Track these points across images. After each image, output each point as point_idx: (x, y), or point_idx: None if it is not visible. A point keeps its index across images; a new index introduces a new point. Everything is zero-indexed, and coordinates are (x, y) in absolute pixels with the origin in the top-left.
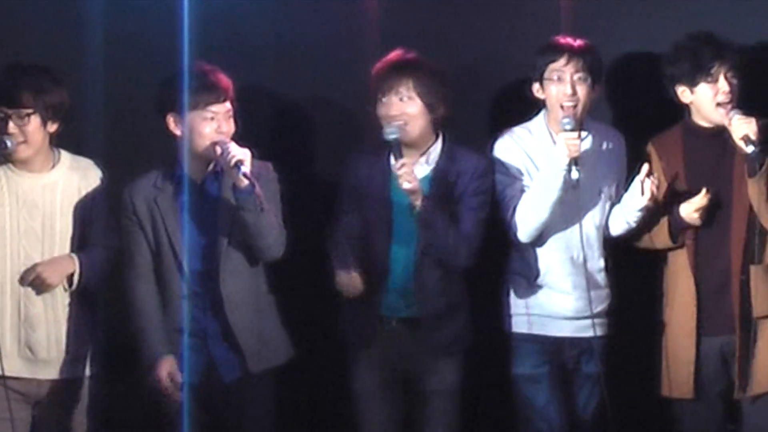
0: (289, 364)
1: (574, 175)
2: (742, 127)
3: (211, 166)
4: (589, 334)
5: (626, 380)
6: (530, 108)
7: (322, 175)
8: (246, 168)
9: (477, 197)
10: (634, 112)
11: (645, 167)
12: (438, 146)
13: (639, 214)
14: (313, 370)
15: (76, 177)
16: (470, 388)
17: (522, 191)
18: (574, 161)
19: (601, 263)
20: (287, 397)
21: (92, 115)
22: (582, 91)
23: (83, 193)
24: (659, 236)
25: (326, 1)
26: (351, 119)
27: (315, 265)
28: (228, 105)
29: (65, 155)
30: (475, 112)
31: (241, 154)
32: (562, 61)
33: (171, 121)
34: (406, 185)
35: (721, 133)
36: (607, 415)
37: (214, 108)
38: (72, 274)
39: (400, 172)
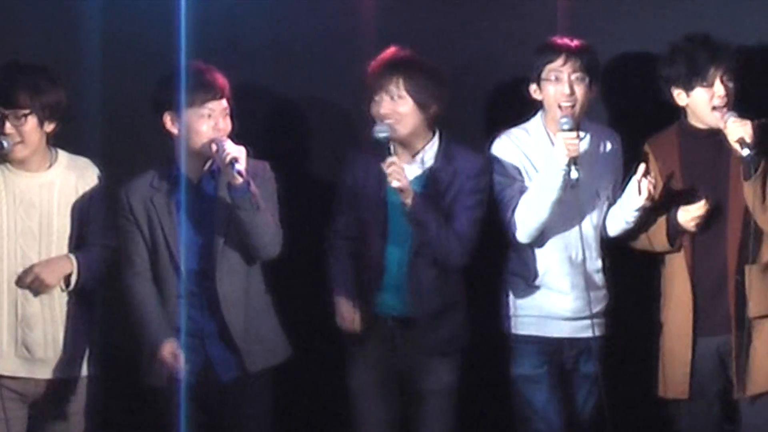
0: (286, 364)
1: (574, 174)
2: (738, 130)
3: (207, 165)
4: (588, 334)
5: (624, 380)
6: (528, 108)
7: (319, 175)
8: (241, 166)
9: (473, 196)
10: (630, 113)
11: (642, 167)
12: (434, 145)
13: (636, 213)
14: (310, 369)
15: (73, 176)
16: (469, 389)
17: (521, 192)
18: (574, 161)
19: (599, 263)
20: (284, 397)
21: (90, 115)
22: (580, 91)
23: (80, 192)
24: (657, 239)
25: (323, 0)
26: (348, 119)
27: (312, 265)
28: (224, 103)
29: (62, 155)
30: (472, 112)
31: (236, 151)
32: (559, 61)
33: (168, 119)
34: (395, 183)
35: (716, 134)
36: (605, 414)
37: (211, 105)
38: (69, 274)
39: (388, 171)
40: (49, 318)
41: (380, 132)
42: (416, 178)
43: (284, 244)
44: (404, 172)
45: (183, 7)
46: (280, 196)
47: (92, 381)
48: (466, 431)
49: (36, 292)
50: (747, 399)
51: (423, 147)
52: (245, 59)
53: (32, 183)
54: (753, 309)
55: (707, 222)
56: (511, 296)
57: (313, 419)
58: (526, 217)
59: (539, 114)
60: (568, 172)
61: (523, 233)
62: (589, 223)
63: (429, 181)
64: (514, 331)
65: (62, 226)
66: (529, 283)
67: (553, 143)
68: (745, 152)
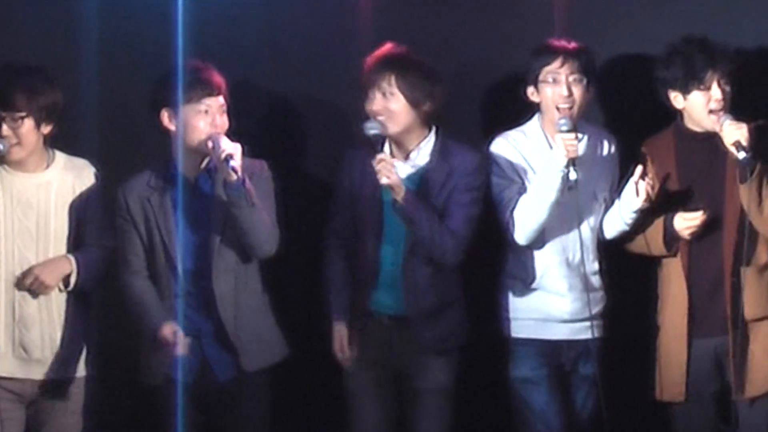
0: (283, 363)
1: (573, 175)
2: (734, 133)
3: (204, 164)
4: (587, 336)
5: (622, 382)
6: (525, 109)
7: (316, 174)
8: (235, 162)
9: (468, 194)
10: (626, 115)
11: (639, 169)
12: (430, 142)
13: (634, 215)
14: (307, 368)
15: (70, 176)
16: (467, 390)
17: (519, 193)
18: (573, 162)
19: (596, 265)
20: (282, 396)
21: (87, 115)
22: (577, 92)
23: (78, 192)
24: (654, 244)
25: None
26: (345, 118)
27: (309, 264)
28: (221, 100)
29: (60, 155)
30: (470, 113)
31: (231, 148)
32: (557, 63)
33: (165, 116)
34: (384, 180)
35: (712, 136)
36: (604, 416)
37: (208, 101)
38: (69, 275)
39: (378, 167)
40: (46, 318)
41: (370, 128)
42: (410, 175)
43: (281, 243)
44: (395, 168)
45: (180, 7)
46: (276, 195)
47: (89, 381)
48: None
49: (35, 294)
50: (746, 401)
51: (418, 144)
52: (242, 59)
53: (29, 183)
54: (749, 311)
55: (703, 223)
56: (509, 298)
57: (310, 418)
58: (525, 219)
59: (536, 116)
60: (567, 174)
61: (521, 235)
62: (586, 225)
63: (423, 178)
64: (512, 333)
65: (60, 227)
66: (527, 285)
67: (550, 145)
68: (741, 155)
